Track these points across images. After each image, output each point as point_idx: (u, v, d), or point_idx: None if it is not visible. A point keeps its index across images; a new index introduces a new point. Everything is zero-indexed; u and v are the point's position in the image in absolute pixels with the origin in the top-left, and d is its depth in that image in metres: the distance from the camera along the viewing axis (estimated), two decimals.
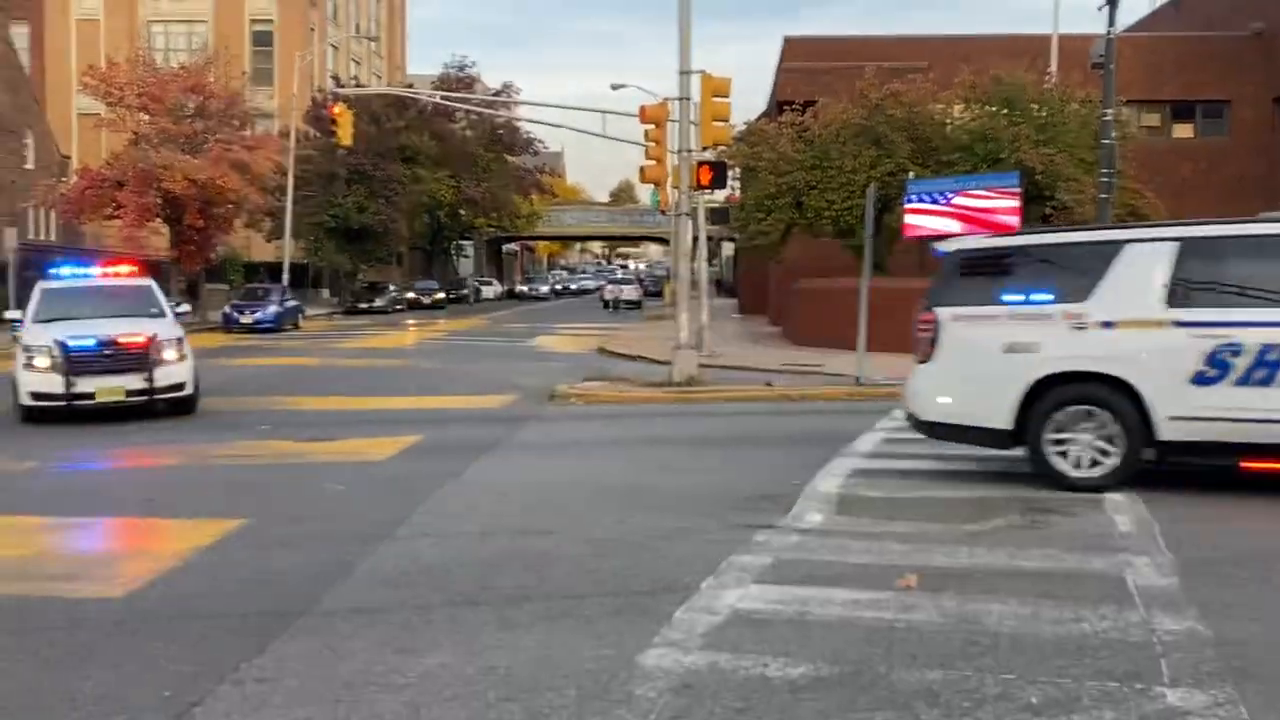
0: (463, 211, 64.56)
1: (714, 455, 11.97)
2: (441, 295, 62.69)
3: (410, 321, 45.15)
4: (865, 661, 5.30)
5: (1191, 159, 41.82)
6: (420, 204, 59.02)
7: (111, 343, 15.33)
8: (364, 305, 53.78)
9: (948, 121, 31.70)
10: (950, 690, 4.93)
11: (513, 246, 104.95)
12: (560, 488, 10.02)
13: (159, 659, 5.54)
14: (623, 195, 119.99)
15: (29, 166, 47.72)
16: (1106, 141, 22.54)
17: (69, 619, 6.22)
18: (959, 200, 28.55)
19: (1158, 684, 4.96)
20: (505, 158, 65.84)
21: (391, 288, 57.94)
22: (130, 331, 15.58)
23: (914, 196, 28.59)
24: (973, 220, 28.20)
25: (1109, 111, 22.66)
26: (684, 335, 20.02)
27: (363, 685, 5.14)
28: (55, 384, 14.91)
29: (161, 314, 16.62)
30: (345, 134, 34.86)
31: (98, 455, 12.53)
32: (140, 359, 15.33)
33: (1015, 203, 26.88)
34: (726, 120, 20.88)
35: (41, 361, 15.04)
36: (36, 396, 15.03)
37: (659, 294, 67.89)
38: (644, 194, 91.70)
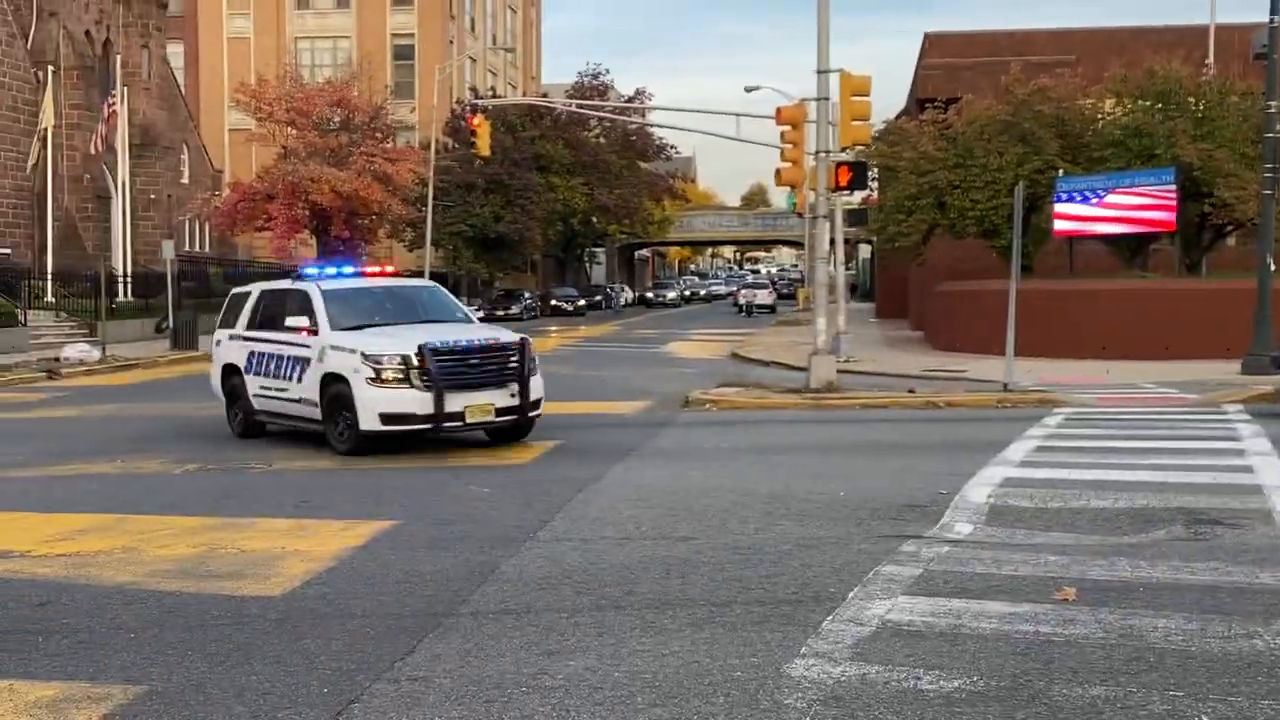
0: (595, 219, 65.14)
1: (856, 463, 11.78)
2: (583, 302, 63.44)
3: (551, 328, 45.71)
4: (1023, 676, 5.13)
5: None
6: (554, 211, 59.74)
7: (486, 348, 12.80)
8: (500, 313, 54.68)
9: (1098, 117, 30.74)
10: (1114, 707, 4.73)
11: (644, 252, 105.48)
12: (699, 494, 9.97)
13: (318, 656, 5.69)
14: (754, 199, 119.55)
15: (185, 181, 49.90)
16: (1270, 135, 21.49)
17: (233, 616, 6.43)
18: (1112, 198, 27.78)
19: None
20: (638, 164, 66.22)
21: (526, 295, 58.84)
22: (492, 335, 13.28)
23: (1064, 195, 27.85)
24: (1127, 220, 27.41)
25: (1273, 104, 21.60)
26: (821, 340, 19.81)
27: (513, 686, 5.18)
28: (419, 402, 12.20)
29: (468, 319, 14.32)
30: (484, 144, 35.52)
31: (253, 459, 12.96)
32: (515, 368, 12.77)
33: (1172, 200, 26.03)
34: (866, 119, 20.60)
35: (393, 373, 12.26)
36: (390, 419, 12.27)
37: (792, 297, 67.42)
38: (777, 197, 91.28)
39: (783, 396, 18.71)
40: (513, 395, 12.67)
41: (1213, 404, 16.86)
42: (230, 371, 14.82)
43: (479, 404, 12.47)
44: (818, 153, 19.77)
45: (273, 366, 13.90)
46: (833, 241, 26.73)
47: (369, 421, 12.38)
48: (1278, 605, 6.13)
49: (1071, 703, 4.81)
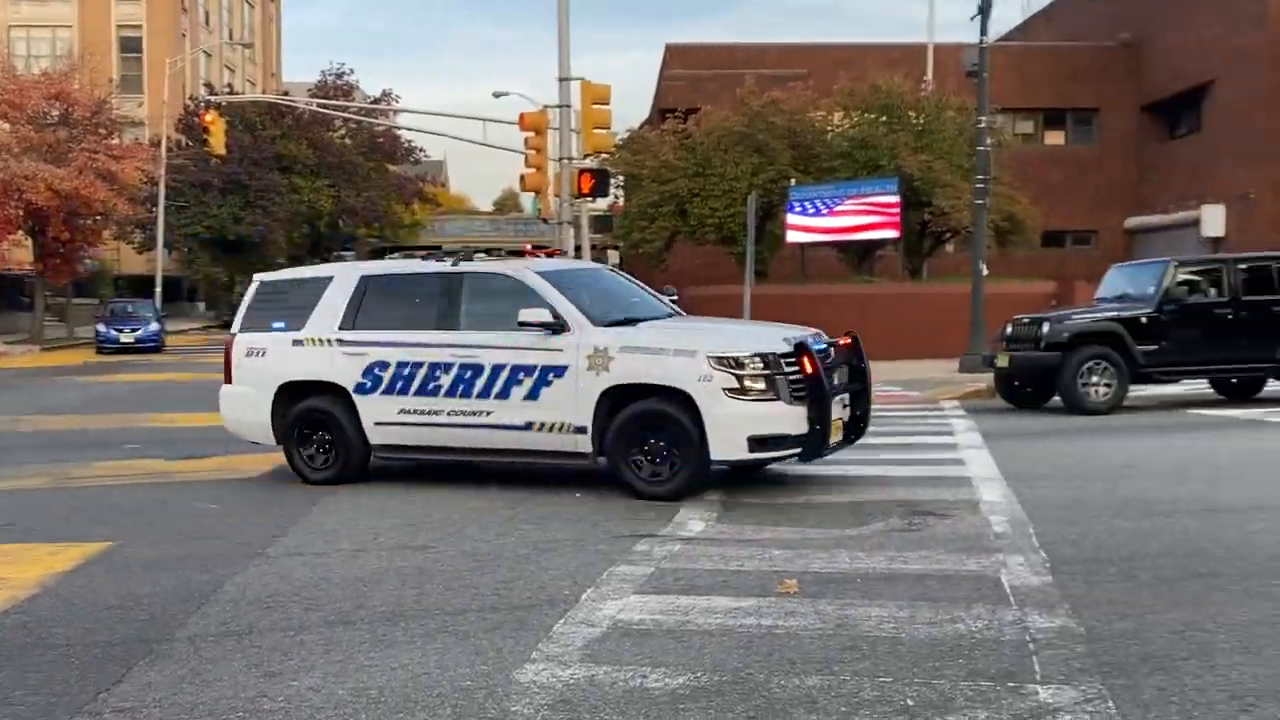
0: (342, 221, 63.48)
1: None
2: None
3: None
4: (745, 669, 5.28)
5: (1063, 165, 43.18)
6: (299, 214, 57.78)
7: (829, 348, 10.22)
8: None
9: (828, 129, 32.22)
10: (828, 695, 4.92)
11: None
12: (440, 503, 9.83)
13: (13, 691, 5.26)
14: (507, 204, 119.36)
15: None
16: (981, 148, 23.09)
17: None
18: (841, 207, 29.20)
19: (1030, 682, 5.02)
20: (386, 166, 64.94)
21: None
22: (810, 331, 10.39)
23: (796, 203, 29.09)
24: (855, 227, 28.85)
25: (983, 119, 23.23)
26: None
27: (228, 711, 4.94)
28: (790, 420, 9.40)
29: (675, 312, 11.78)
30: (218, 142, 34.07)
31: None
32: (861, 374, 10.57)
33: (896, 208, 27.56)
34: (607, 127, 20.91)
35: (759, 381, 9.35)
36: (761, 443, 9.38)
37: None
38: (529, 203, 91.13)
39: None
40: (844, 406, 10.19)
41: (932, 401, 17.94)
42: (299, 393, 10.79)
43: (836, 420, 9.79)
44: (561, 159, 19.92)
45: (442, 381, 10.19)
46: (579, 247, 26.97)
47: (728, 449, 9.42)
48: (980, 590, 6.54)
49: (789, 693, 4.97)
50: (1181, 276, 16.11)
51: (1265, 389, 17.10)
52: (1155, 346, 15.67)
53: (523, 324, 9.90)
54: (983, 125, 23.12)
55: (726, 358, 9.42)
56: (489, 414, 10.10)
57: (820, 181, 29.44)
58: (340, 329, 10.67)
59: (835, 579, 6.86)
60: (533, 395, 9.93)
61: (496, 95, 50.26)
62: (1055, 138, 44.82)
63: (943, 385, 19.69)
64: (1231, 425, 14.16)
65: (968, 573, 6.96)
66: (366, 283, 10.83)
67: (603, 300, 10.65)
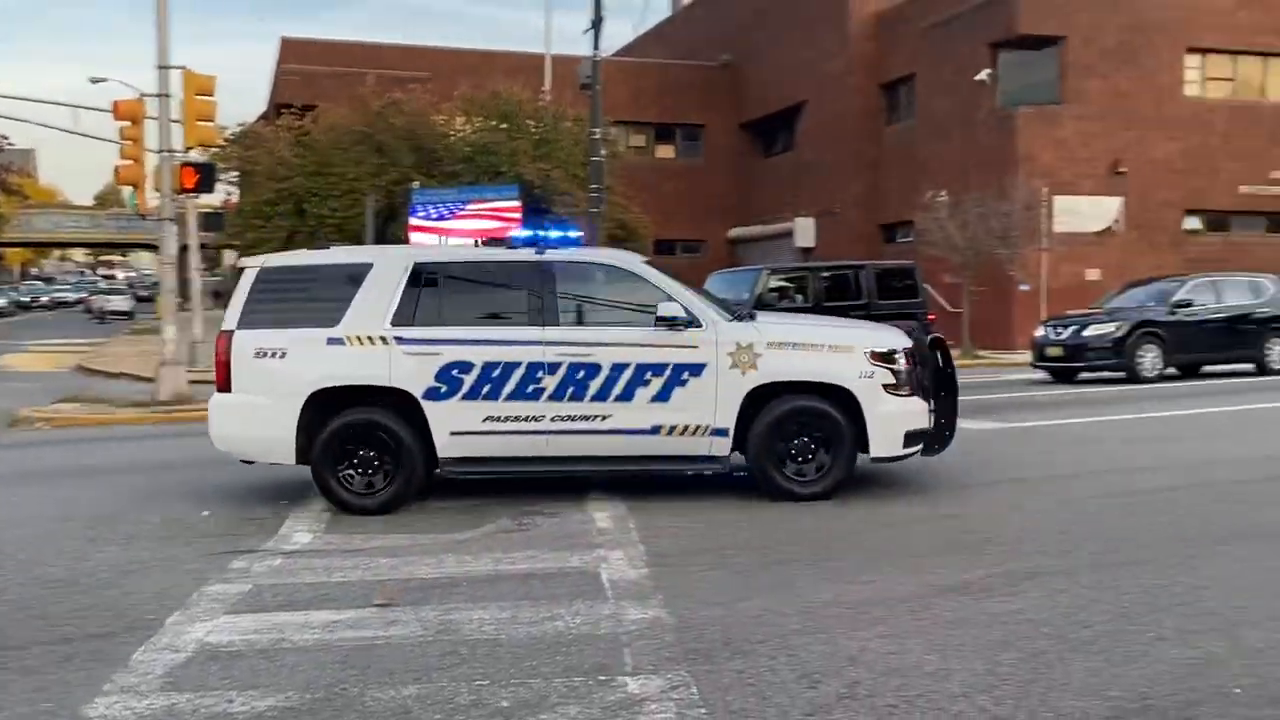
0: None
1: (197, 478, 11.20)
2: None
3: None
4: (339, 685, 5.11)
5: (673, 178, 45.36)
6: None
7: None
8: None
9: (450, 133, 32.19)
10: (424, 704, 4.86)
11: None
12: (14, 523, 8.94)
13: None
14: (109, 198, 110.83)
15: None
16: (595, 158, 23.82)
17: None
18: (465, 210, 29.24)
19: (621, 674, 5.18)
20: None
21: None
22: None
23: (419, 207, 28.84)
24: (477, 231, 28.98)
25: (597, 130, 23.99)
26: (170, 350, 18.76)
27: None
28: (925, 415, 9.51)
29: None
30: None
31: None
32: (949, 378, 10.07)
33: (517, 215, 27.92)
34: (212, 120, 19.82)
35: (905, 378, 9.25)
36: (911, 438, 9.40)
37: (152, 301, 63.51)
38: (129, 196, 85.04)
39: (129, 411, 17.52)
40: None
41: None
42: (336, 402, 9.16)
43: None
44: (162, 152, 18.68)
45: (546, 383, 9.08)
46: (185, 246, 25.45)
47: (888, 445, 9.23)
48: (581, 586, 6.69)
49: (384, 705, 4.86)
50: (773, 283, 17.35)
51: None
52: None
53: (661, 319, 9.07)
54: (597, 136, 23.89)
55: (882, 352, 9.23)
56: (606, 418, 9.13)
57: (444, 185, 29.35)
58: (394, 325, 9.13)
59: (441, 584, 6.81)
60: (662, 396, 9.12)
61: (94, 81, 46.44)
62: (666, 151, 47.07)
63: None
64: None
65: (570, 570, 7.11)
66: (421, 271, 9.34)
67: (704, 296, 10.04)
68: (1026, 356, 23.19)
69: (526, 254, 9.51)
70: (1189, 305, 21.37)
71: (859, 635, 5.65)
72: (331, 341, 9.08)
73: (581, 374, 9.09)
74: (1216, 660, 5.20)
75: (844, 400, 9.19)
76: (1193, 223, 34.73)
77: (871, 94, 39.40)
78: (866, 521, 8.46)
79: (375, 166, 29.66)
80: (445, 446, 9.14)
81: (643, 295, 9.33)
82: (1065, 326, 21.48)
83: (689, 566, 7.15)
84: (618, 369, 9.10)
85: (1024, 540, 7.73)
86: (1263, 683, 4.89)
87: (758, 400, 9.17)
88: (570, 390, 9.09)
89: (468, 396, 9.06)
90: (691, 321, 9.16)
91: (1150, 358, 20.81)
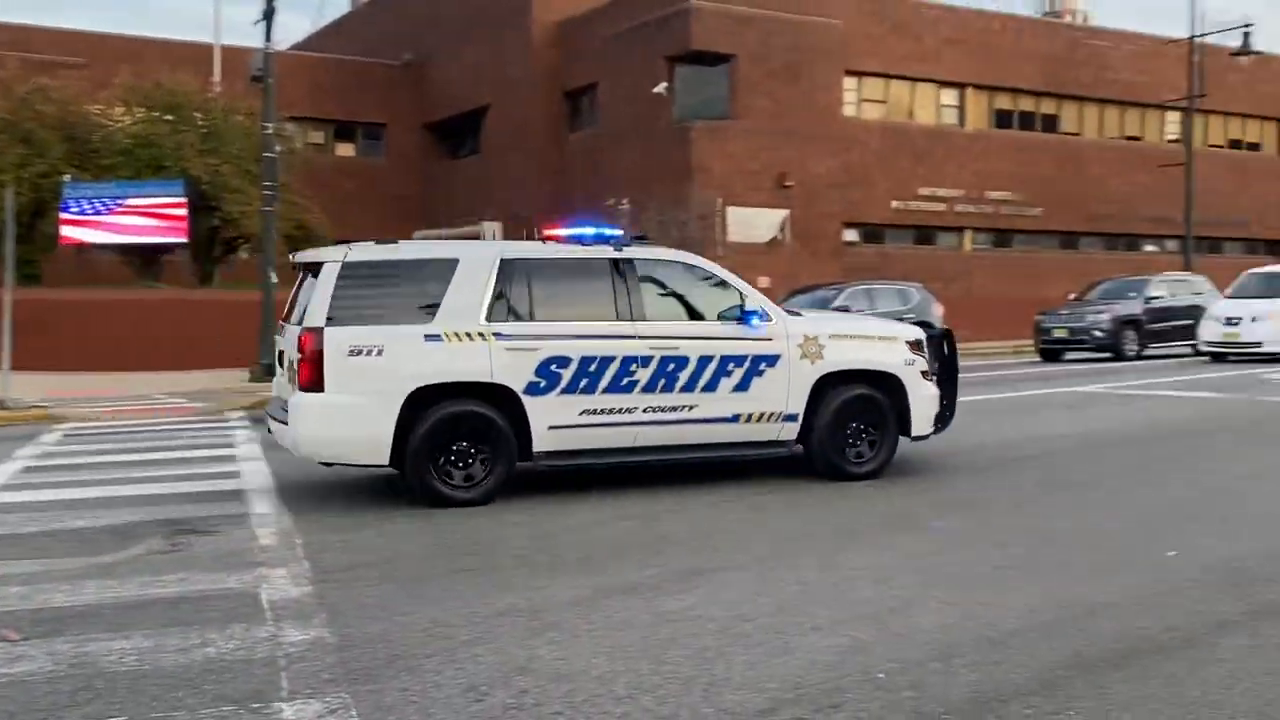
0: None
1: None
2: None
3: None
4: None
5: (354, 177, 44.23)
6: None
7: None
8: None
9: (108, 124, 30.03)
10: None
11: None
12: None
13: None
14: None
15: None
16: (269, 155, 22.80)
17: None
18: (123, 206, 27.27)
19: (276, 699, 4.87)
20: None
21: None
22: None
23: (72, 202, 26.70)
24: (138, 229, 27.11)
25: (270, 125, 22.95)
26: None
27: None
28: (939, 399, 10.77)
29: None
30: None
31: None
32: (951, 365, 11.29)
33: (182, 212, 26.32)
34: None
35: (931, 365, 10.72)
36: (935, 420, 10.67)
37: None
38: None
39: None
40: None
41: (217, 412, 17.34)
42: (432, 398, 8.93)
43: None
44: None
45: (639, 376, 9.37)
46: None
47: (923, 426, 10.46)
48: (238, 608, 6.28)
49: None
50: None
51: None
52: None
53: (746, 313, 9.76)
54: (270, 131, 22.87)
55: (916, 342, 10.41)
56: (693, 408, 9.58)
57: (100, 179, 27.33)
58: (489, 320, 9.08)
59: (79, 613, 6.22)
60: (742, 386, 9.69)
61: None
62: (346, 150, 45.84)
63: (231, 395, 19.13)
64: None
65: (227, 591, 6.67)
66: (509, 267, 9.30)
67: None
68: None
69: (606, 251, 9.76)
70: (845, 311, 22.81)
71: (530, 643, 5.58)
72: (429, 338, 8.97)
73: (671, 367, 9.52)
74: (864, 647, 5.47)
75: (890, 386, 10.22)
76: (851, 234, 37.20)
77: (556, 101, 39.86)
78: (545, 527, 8.42)
79: (20, 157, 27.22)
80: (542, 440, 9.25)
81: (714, 291, 9.97)
82: None
83: (357, 581, 6.87)
84: (704, 361, 9.62)
85: (697, 540, 7.92)
86: (905, 667, 5.17)
87: (819, 388, 9.98)
88: (661, 382, 9.49)
89: (566, 391, 9.23)
90: (765, 316, 9.88)
91: None
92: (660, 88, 34.27)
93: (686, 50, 34.19)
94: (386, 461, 9.04)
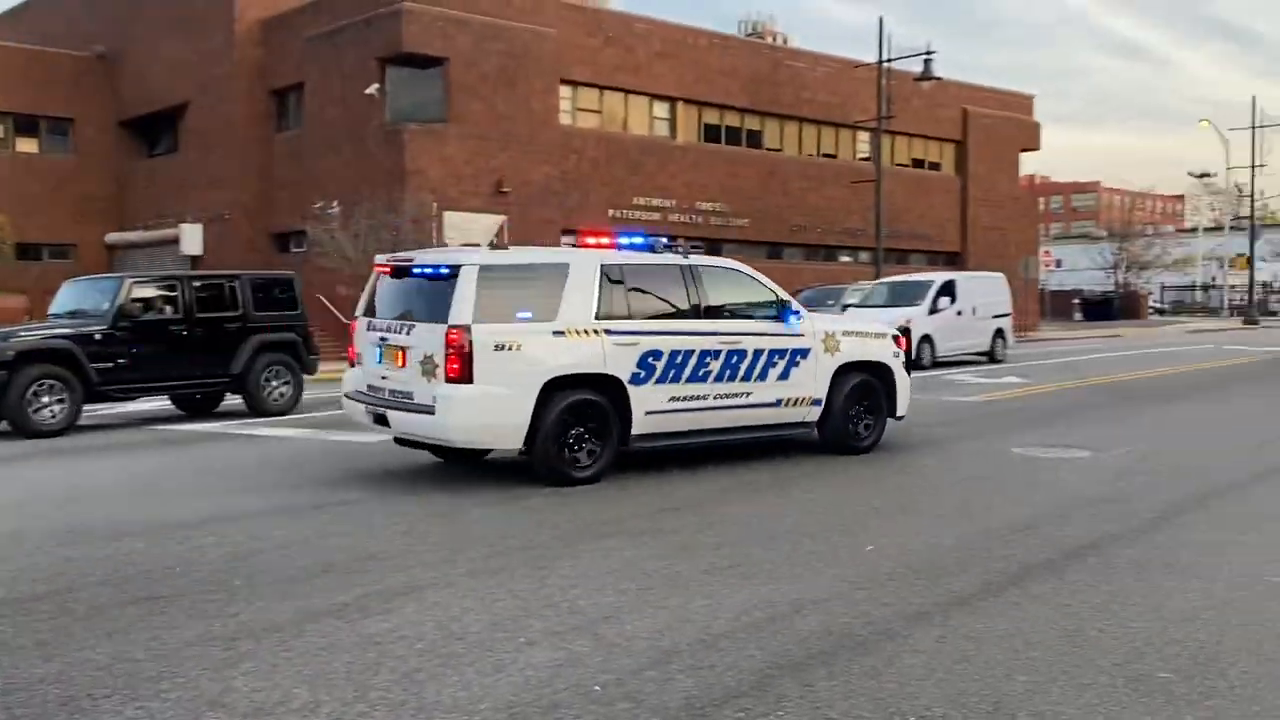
0: None
1: None
2: None
3: None
4: None
5: (39, 175, 41.01)
6: None
7: None
8: None
9: None
10: None
11: None
12: None
13: None
14: None
15: None
16: None
17: None
18: None
19: None
20: None
21: None
22: None
23: None
24: None
25: None
26: None
27: None
28: None
29: None
30: None
31: None
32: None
33: None
34: None
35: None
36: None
37: None
38: None
39: None
40: None
41: None
42: (558, 388, 9.96)
43: None
44: None
45: (711, 366, 10.85)
46: None
47: (904, 408, 12.53)
48: None
49: None
50: (137, 294, 15.97)
51: (224, 403, 17.83)
52: (111, 364, 15.45)
53: (785, 312, 11.51)
54: None
55: (896, 337, 12.51)
56: (749, 395, 11.16)
57: None
58: (597, 319, 10.25)
59: None
60: (784, 375, 11.40)
61: None
62: (29, 145, 42.32)
63: None
64: (194, 440, 14.40)
65: None
66: (607, 272, 10.50)
67: None
68: None
69: (675, 258, 11.19)
70: None
71: (224, 674, 5.18)
72: (556, 334, 10.03)
73: (735, 359, 11.06)
74: (579, 659, 5.38)
75: (882, 375, 12.27)
76: (569, 241, 37.48)
77: (261, 99, 38.17)
78: (236, 549, 7.91)
79: None
80: (639, 424, 10.46)
81: (755, 293, 11.64)
82: None
83: (27, 615, 6.21)
84: (758, 354, 11.25)
85: (406, 554, 7.63)
86: (621, 678, 5.11)
87: (836, 377, 11.86)
88: (728, 373, 11.01)
89: (660, 380, 10.54)
90: (800, 315, 11.63)
91: None
92: (372, 89, 33.42)
93: (398, 51, 33.48)
94: (522, 445, 10.04)
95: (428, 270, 10.18)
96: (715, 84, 41.12)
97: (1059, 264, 78.19)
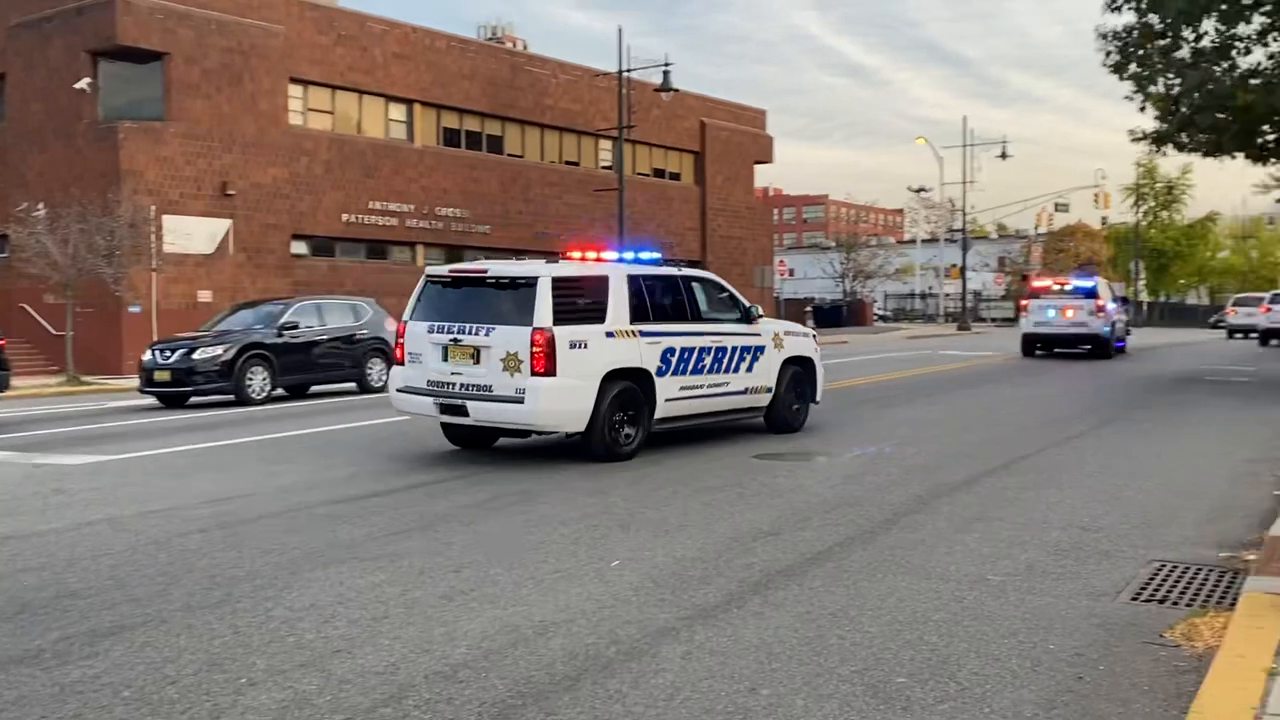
0: None
1: None
2: None
3: None
4: None
5: None
6: None
7: None
8: None
9: None
10: None
11: None
12: None
13: None
14: None
15: None
16: None
17: None
18: None
19: None
20: None
21: None
22: None
23: None
24: None
25: None
26: None
27: None
28: None
29: None
30: None
31: None
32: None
33: None
34: None
35: None
36: None
37: None
38: None
39: None
40: None
41: None
42: (621, 376, 12.12)
43: None
44: None
45: (706, 361, 13.23)
46: None
47: (819, 395, 15.18)
48: None
49: None
50: None
51: None
52: None
53: (755, 317, 14.11)
54: None
55: (815, 336, 15.30)
56: (728, 384, 13.49)
57: None
58: (631, 322, 12.27)
59: None
60: (750, 368, 13.76)
61: None
62: None
63: None
64: None
65: None
66: (632, 282, 12.53)
67: None
68: (136, 382, 22.04)
69: (673, 270, 13.72)
70: (295, 327, 21.96)
71: None
72: (609, 335, 12.02)
73: (720, 354, 13.36)
74: (306, 699, 4.97)
75: (808, 368, 14.85)
76: (300, 247, 36.09)
77: None
78: None
79: None
80: (660, 409, 12.58)
81: (727, 299, 14.10)
82: (174, 350, 20.80)
83: None
84: (734, 350, 13.58)
85: (114, 590, 6.95)
86: (352, 716, 4.75)
87: (780, 369, 14.33)
88: (716, 365, 13.29)
89: (674, 372, 12.68)
90: (758, 317, 14.14)
91: (259, 380, 20.99)
92: (82, 83, 31.19)
93: (113, 45, 31.36)
94: (583, 428, 11.88)
95: (504, 280, 11.92)
96: (454, 87, 40.61)
97: (792, 273, 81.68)
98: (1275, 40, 21.78)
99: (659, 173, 50.15)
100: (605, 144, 46.25)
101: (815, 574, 7.16)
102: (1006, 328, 62.65)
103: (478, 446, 13.16)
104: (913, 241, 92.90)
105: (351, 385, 23.14)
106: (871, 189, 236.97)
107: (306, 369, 22.17)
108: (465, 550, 7.94)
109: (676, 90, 41.22)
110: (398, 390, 12.52)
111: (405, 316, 12.54)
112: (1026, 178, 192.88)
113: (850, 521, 8.86)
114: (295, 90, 35.91)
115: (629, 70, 39.74)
